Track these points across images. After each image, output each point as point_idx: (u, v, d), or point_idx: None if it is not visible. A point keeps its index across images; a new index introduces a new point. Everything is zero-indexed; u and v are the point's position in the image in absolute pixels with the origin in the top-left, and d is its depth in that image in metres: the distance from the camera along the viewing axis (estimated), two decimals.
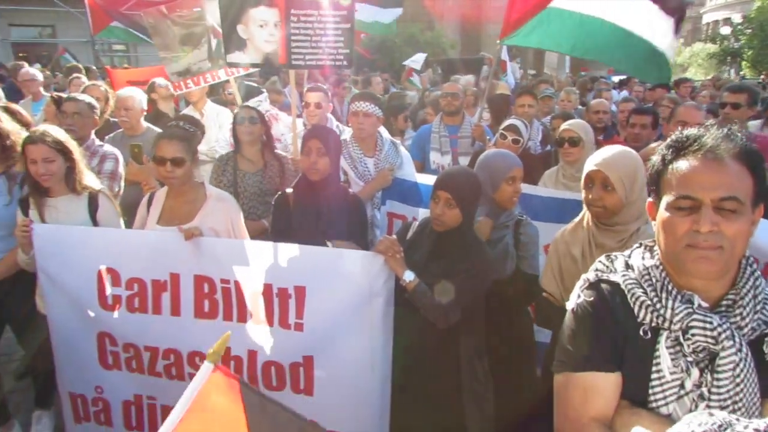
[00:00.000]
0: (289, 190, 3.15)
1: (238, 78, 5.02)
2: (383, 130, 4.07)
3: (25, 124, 3.78)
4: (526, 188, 3.47)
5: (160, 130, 4.71)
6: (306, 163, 2.98)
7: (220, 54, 4.49)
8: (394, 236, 2.75)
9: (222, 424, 1.32)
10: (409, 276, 2.55)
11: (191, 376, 2.93)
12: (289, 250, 2.80)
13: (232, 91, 5.25)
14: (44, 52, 16.60)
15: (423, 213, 3.73)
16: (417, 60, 11.08)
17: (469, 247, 2.65)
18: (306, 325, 2.78)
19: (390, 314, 2.73)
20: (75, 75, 7.16)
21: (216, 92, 6.55)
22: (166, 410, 3.04)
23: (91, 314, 2.93)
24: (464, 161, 4.63)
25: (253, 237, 3.21)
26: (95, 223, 3.10)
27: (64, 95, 5.60)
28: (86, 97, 4.11)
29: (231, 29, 3.82)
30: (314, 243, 2.80)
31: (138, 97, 4.58)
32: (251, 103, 4.98)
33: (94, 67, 11.53)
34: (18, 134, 3.28)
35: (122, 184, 3.84)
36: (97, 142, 3.96)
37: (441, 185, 2.63)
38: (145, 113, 4.69)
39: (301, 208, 3.02)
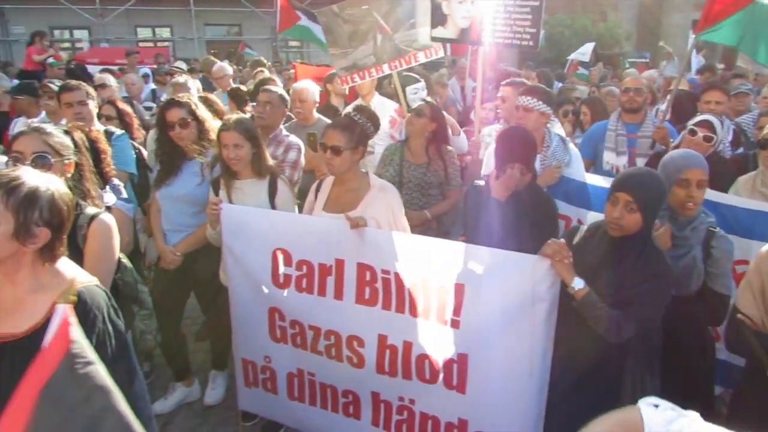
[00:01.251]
0: (480, 182, 3.13)
1: (400, 72, 5.11)
2: (557, 126, 3.87)
3: (219, 113, 4.21)
4: (712, 195, 3.09)
5: (329, 121, 5.01)
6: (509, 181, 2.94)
7: (385, 49, 4.66)
8: (562, 239, 2.59)
9: None
10: (578, 283, 2.39)
11: (348, 358, 3.07)
12: (451, 247, 2.78)
13: (393, 83, 5.36)
14: (231, 48, 18.41)
15: (591, 216, 3.49)
16: (584, 52, 10.34)
17: (648, 257, 2.41)
18: (462, 322, 2.74)
19: (552, 321, 2.59)
20: (259, 69, 7.84)
21: (381, 86, 6.73)
22: (324, 387, 3.22)
23: (265, 290, 3.17)
24: (641, 164, 4.24)
25: (414, 226, 3.25)
26: (273, 206, 3.34)
27: (243, 87, 6.17)
28: (278, 89, 4.47)
29: (437, 4, 3.99)
30: (505, 239, 2.76)
31: (312, 89, 4.86)
32: (408, 90, 5.05)
33: (271, 62, 12.48)
34: (213, 122, 3.66)
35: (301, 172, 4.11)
36: (284, 132, 4.26)
37: (621, 186, 2.42)
38: (317, 105, 4.98)
39: (496, 203, 2.97)
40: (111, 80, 5.90)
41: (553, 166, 3.62)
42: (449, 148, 4.16)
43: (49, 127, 2.46)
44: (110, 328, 1.85)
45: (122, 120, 4.49)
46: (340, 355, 3.07)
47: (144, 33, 21.16)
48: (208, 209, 3.21)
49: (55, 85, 5.05)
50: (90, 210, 2.39)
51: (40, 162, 2.28)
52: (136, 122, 4.69)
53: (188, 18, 20.50)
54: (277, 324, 3.22)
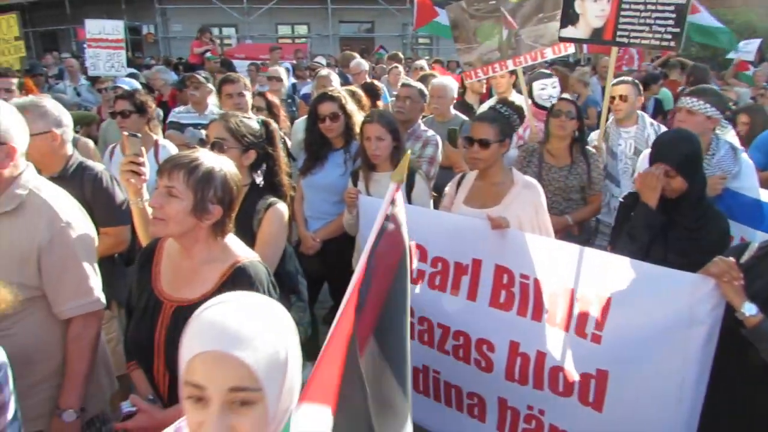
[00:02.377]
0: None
1: (525, 68, 4.93)
2: (729, 133, 3.52)
3: (364, 107, 4.33)
4: None
5: (466, 118, 4.97)
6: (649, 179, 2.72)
7: (510, 44, 4.53)
8: (731, 258, 2.33)
9: None
10: (750, 309, 2.14)
11: (477, 362, 3.01)
12: (599, 257, 2.62)
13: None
14: (362, 45, 18.92)
15: (761, 236, 3.12)
16: (749, 50, 9.24)
17: None
18: (605, 338, 2.57)
19: (712, 346, 2.35)
20: (394, 65, 7.98)
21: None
22: (448, 386, 3.19)
23: None
24: None
25: (554, 232, 3.12)
26: (409, 200, 3.37)
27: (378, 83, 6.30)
28: (418, 84, 4.51)
29: (569, 3, 3.84)
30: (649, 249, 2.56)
31: (451, 86, 4.83)
32: (535, 86, 4.86)
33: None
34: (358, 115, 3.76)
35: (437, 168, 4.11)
36: (422, 127, 4.29)
37: None
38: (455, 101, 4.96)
39: (643, 209, 2.77)
40: (283, 73, 6.31)
41: (717, 177, 3.28)
42: (593, 150, 3.94)
43: (236, 116, 2.65)
44: None
45: (270, 111, 4.76)
46: (468, 357, 3.02)
47: (283, 30, 22.39)
48: (346, 195, 3.31)
49: (200, 76, 5.47)
50: (269, 198, 2.56)
51: (217, 146, 2.48)
52: (282, 113, 4.96)
53: (325, 16, 21.37)
54: None
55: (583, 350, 2.64)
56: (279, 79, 6.29)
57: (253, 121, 2.67)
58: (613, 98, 4.26)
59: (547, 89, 4.80)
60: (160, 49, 19.99)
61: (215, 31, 21.48)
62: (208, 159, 1.94)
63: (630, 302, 2.49)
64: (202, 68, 8.61)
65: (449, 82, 4.86)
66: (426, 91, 4.49)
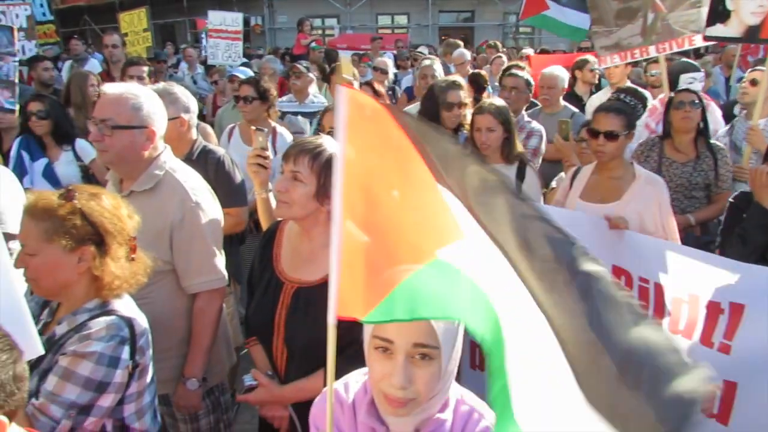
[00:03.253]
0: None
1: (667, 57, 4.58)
2: None
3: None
4: None
5: (576, 109, 4.75)
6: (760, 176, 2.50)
7: (655, 29, 4.20)
8: None
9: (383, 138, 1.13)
10: None
11: None
12: (729, 265, 2.41)
13: (657, 73, 4.84)
14: (462, 35, 18.65)
15: None
16: None
17: None
18: (735, 348, 2.37)
19: None
20: (497, 54, 7.79)
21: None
22: None
23: None
24: None
25: None
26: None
27: (483, 72, 6.17)
28: (525, 74, 4.38)
29: (719, 0, 3.58)
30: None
31: (562, 76, 4.64)
32: (682, 79, 4.51)
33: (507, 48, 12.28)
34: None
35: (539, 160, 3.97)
36: (526, 117, 4.16)
37: None
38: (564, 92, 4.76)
39: (757, 209, 2.55)
40: (390, 65, 6.37)
41: None
42: (720, 144, 3.63)
43: None
44: None
45: None
46: None
47: (383, 20, 22.55)
48: None
49: (302, 66, 5.60)
50: None
51: (333, 136, 2.53)
52: (387, 102, 4.99)
53: (425, 6, 21.27)
54: None
55: (709, 360, 2.44)
56: (385, 71, 6.32)
57: None
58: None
59: (695, 84, 4.44)
60: (267, 40, 20.82)
61: (317, 21, 22.08)
62: (333, 145, 1.99)
63: (766, 311, 2.28)
64: (306, 59, 8.87)
65: (560, 72, 4.67)
66: (532, 81, 4.35)
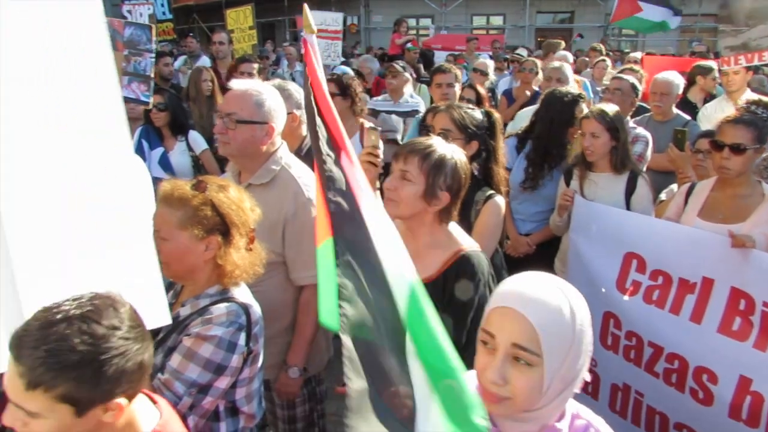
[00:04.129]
0: None
1: None
2: None
3: None
4: None
5: (688, 117, 4.46)
6: None
7: None
8: None
9: None
10: None
11: (693, 391, 2.69)
12: None
13: None
14: (559, 36, 18.07)
15: None
16: None
17: None
18: None
19: None
20: (600, 58, 7.47)
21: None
22: (652, 411, 2.91)
23: (605, 292, 2.99)
24: None
25: None
26: (628, 205, 3.11)
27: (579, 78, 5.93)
28: (630, 78, 4.18)
29: None
30: None
31: (676, 83, 4.36)
32: None
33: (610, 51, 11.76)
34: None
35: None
36: (631, 123, 3.97)
37: None
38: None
39: None
40: (490, 67, 6.33)
41: None
42: None
43: (461, 107, 2.69)
44: (488, 294, 1.96)
45: (479, 104, 4.74)
46: (682, 385, 2.72)
47: (478, 21, 22.29)
48: (561, 199, 3.16)
49: (399, 66, 5.61)
50: (488, 190, 2.57)
51: (441, 137, 2.52)
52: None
53: (522, 6, 20.80)
54: (610, 330, 3.02)
55: None
56: (485, 73, 6.24)
57: (477, 111, 2.67)
58: None
59: None
60: (362, 39, 21.19)
61: (412, 22, 22.17)
62: (442, 146, 2.00)
63: None
64: (400, 59, 8.92)
65: (675, 78, 4.39)
66: (639, 86, 4.14)
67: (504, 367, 1.16)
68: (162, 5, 6.61)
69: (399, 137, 5.08)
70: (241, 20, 7.00)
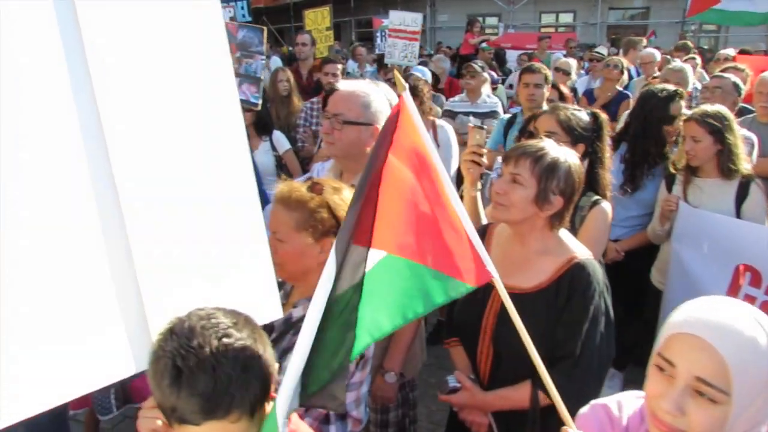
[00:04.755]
0: None
1: None
2: None
3: None
4: None
5: None
6: None
7: None
8: None
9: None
10: None
11: None
12: None
13: None
14: (633, 34, 17.33)
15: None
16: None
17: None
18: None
19: None
20: (689, 56, 7.10)
21: None
22: None
23: None
24: None
25: None
26: (738, 213, 2.91)
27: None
28: (731, 76, 3.97)
29: None
30: None
31: None
32: None
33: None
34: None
35: None
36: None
37: None
38: None
39: None
40: (573, 66, 6.17)
41: None
42: None
43: (567, 108, 2.59)
44: (603, 304, 1.87)
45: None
46: None
47: (547, 19, 21.77)
48: (663, 205, 3.00)
49: (477, 65, 5.50)
50: (593, 195, 2.47)
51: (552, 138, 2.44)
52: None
53: (593, 2, 20.16)
54: None
55: None
56: (567, 72, 6.05)
57: (583, 113, 2.56)
58: None
59: None
60: (427, 39, 21.13)
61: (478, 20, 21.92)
62: (554, 150, 1.92)
63: None
64: (473, 58, 8.80)
65: None
66: (740, 84, 3.90)
67: (683, 398, 1.06)
68: (242, 8, 6.77)
69: None
70: (318, 21, 7.09)
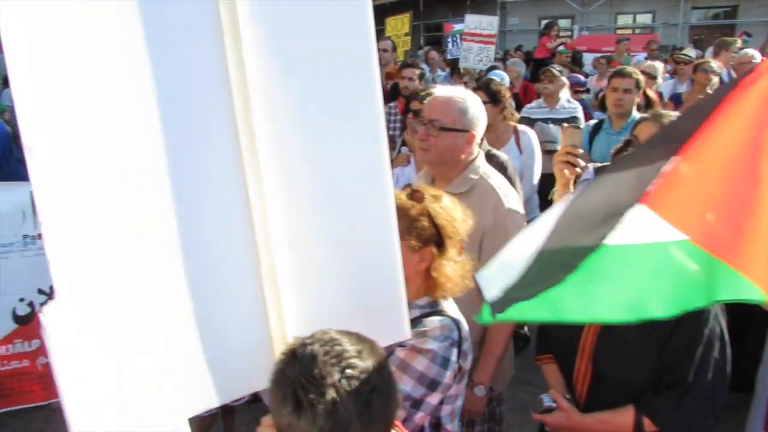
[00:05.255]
0: None
1: None
2: None
3: None
4: None
5: None
6: None
7: None
8: None
9: None
10: None
11: None
12: None
13: None
14: (716, 34, 16.39)
15: None
16: None
17: None
18: None
19: None
20: None
21: None
22: None
23: None
24: None
25: None
26: None
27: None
28: None
29: None
30: None
31: None
32: None
33: None
34: None
35: None
36: None
37: None
38: None
39: None
40: (659, 70, 5.91)
41: None
42: None
43: (669, 115, 2.47)
44: (718, 327, 1.76)
45: (649, 109, 4.38)
46: None
47: (623, 20, 20.96)
48: None
49: (555, 69, 5.32)
50: None
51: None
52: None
53: (674, 2, 19.21)
54: None
55: None
56: (653, 76, 5.77)
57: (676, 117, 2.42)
58: None
59: None
60: (498, 42, 20.85)
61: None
62: None
63: None
64: (549, 62, 8.56)
65: None
66: None
67: None
68: None
69: (558, 147, 4.82)
70: (398, 27, 7.14)
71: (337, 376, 1.04)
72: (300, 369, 1.05)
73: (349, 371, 1.05)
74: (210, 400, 1.21)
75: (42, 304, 3.25)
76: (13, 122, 5.57)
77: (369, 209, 1.34)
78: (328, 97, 1.25)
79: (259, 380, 1.23)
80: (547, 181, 4.46)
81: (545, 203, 4.82)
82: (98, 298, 1.05)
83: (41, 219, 0.99)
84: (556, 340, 2.02)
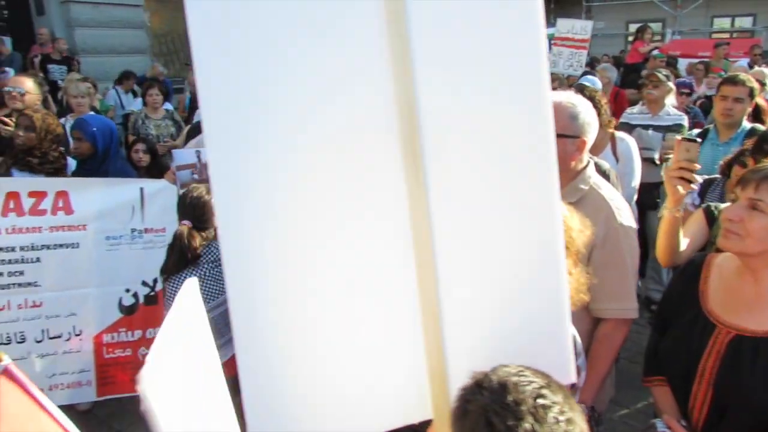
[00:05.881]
0: None
1: None
2: None
3: None
4: None
5: None
6: None
7: None
8: None
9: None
10: None
11: None
12: None
13: None
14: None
15: None
16: None
17: None
18: None
19: None
20: None
21: None
22: None
23: None
24: None
25: None
26: None
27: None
28: None
29: None
30: None
31: None
32: None
33: None
34: None
35: None
36: None
37: None
38: None
39: None
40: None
41: None
42: None
43: None
44: None
45: (758, 119, 4.08)
46: None
47: (719, 23, 19.74)
48: None
49: (661, 74, 5.03)
50: None
51: None
52: None
53: None
54: None
55: None
56: (763, 83, 5.36)
57: None
58: None
59: None
60: None
61: (636, 27, 20.48)
62: None
63: None
64: (641, 67, 8.18)
65: None
66: None
67: None
68: None
69: (656, 156, 4.58)
70: None
71: (531, 402, 1.00)
72: (491, 397, 1.01)
73: (541, 401, 1.01)
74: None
75: (145, 296, 3.48)
76: (115, 121, 5.95)
77: (537, 247, 1.24)
78: (498, 93, 1.16)
79: (412, 413, 1.21)
80: (643, 191, 4.27)
81: (641, 215, 4.61)
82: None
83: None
84: (670, 361, 1.90)
